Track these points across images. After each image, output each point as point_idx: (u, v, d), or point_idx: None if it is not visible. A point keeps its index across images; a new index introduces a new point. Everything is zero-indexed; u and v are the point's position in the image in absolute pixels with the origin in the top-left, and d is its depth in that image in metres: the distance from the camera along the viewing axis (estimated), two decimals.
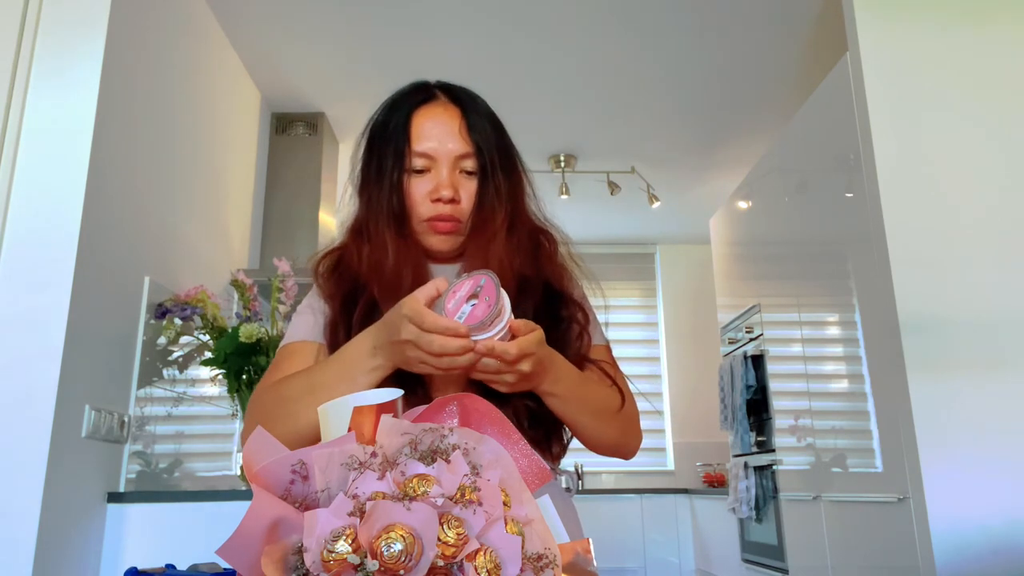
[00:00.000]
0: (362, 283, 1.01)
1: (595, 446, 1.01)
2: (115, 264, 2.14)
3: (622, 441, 1.03)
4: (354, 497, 0.55)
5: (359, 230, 1.04)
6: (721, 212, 4.05)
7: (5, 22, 2.00)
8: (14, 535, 1.75)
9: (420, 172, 1.01)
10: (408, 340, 0.81)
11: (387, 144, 1.02)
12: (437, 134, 1.00)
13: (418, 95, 1.05)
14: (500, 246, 1.00)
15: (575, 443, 1.07)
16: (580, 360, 1.02)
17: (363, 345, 0.89)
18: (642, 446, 1.08)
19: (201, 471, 2.76)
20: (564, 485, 1.06)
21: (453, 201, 1.00)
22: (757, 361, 3.48)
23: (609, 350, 1.10)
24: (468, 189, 1.01)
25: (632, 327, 5.67)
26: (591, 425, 0.98)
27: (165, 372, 2.42)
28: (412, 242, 1.02)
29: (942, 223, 2.23)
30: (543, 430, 0.99)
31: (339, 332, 1.00)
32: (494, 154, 1.02)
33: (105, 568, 2.03)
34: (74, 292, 1.90)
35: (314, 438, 0.90)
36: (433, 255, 1.05)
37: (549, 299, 1.03)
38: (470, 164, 1.01)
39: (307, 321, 1.06)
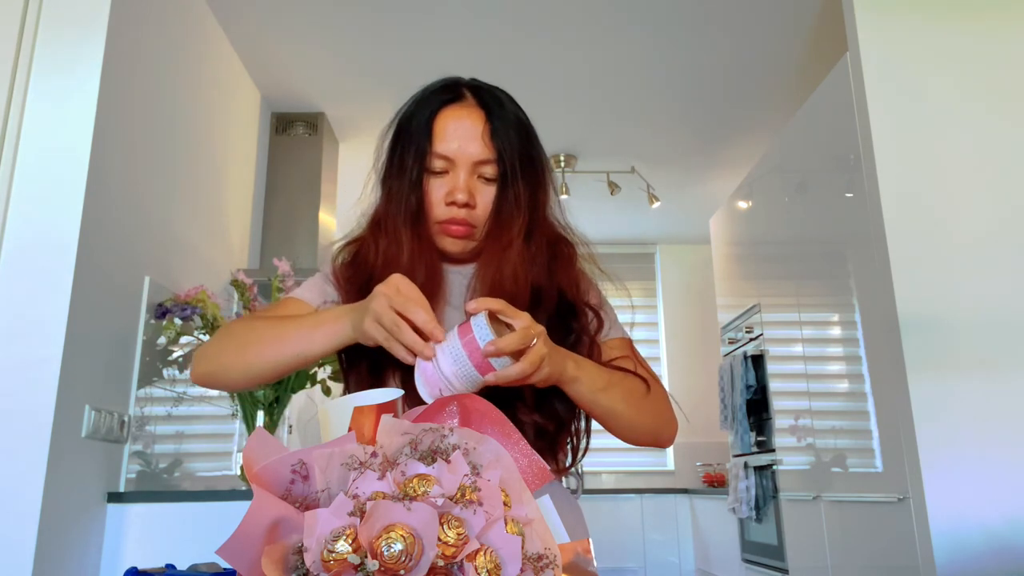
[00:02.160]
0: (376, 277, 1.00)
1: (632, 436, 0.99)
2: (115, 264, 2.14)
3: (656, 428, 1.01)
4: (354, 497, 0.55)
5: (378, 223, 1.04)
6: (721, 212, 4.05)
7: (5, 22, 2.00)
8: (14, 535, 1.75)
9: (439, 173, 1.00)
10: (382, 292, 0.83)
11: (410, 141, 1.01)
12: (459, 137, 0.99)
13: (445, 94, 1.04)
14: (515, 255, 0.99)
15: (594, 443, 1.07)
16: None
17: (337, 310, 0.92)
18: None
19: (201, 471, 2.75)
20: (571, 487, 1.06)
21: (467, 206, 0.99)
22: (757, 361, 3.48)
23: (629, 343, 1.10)
24: (485, 195, 1.01)
25: (632, 327, 5.66)
26: (625, 413, 0.96)
27: (165, 372, 2.42)
28: (427, 241, 1.02)
29: (942, 223, 2.23)
30: (546, 442, 0.98)
31: None
32: (516, 161, 1.01)
33: (105, 568, 2.03)
34: (74, 292, 1.89)
35: (260, 377, 0.94)
36: (447, 256, 1.05)
37: (562, 310, 1.03)
38: (489, 170, 1.00)
39: (316, 286, 1.07)
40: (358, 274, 1.03)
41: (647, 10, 3.02)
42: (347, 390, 1.04)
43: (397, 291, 0.83)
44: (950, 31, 2.39)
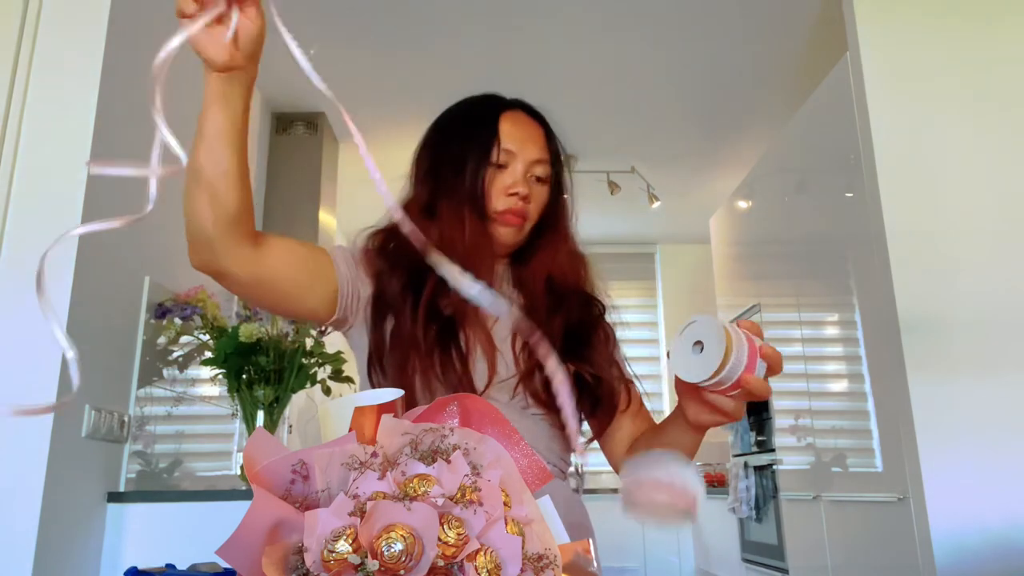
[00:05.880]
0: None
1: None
2: (115, 264, 2.14)
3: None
4: (354, 497, 0.55)
5: (426, 210, 1.08)
6: (721, 212, 4.05)
7: (5, 22, 2.00)
8: (14, 535, 1.75)
9: (498, 167, 1.07)
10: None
11: (471, 136, 1.08)
12: (521, 136, 1.08)
13: (502, 100, 1.13)
14: (571, 246, 1.11)
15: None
16: (621, 374, 1.10)
17: None
18: None
19: (201, 471, 2.75)
20: (572, 486, 1.07)
21: (526, 199, 1.06)
22: None
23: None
24: (536, 192, 1.09)
25: (632, 327, 5.67)
26: None
27: (165, 372, 2.42)
28: (485, 227, 1.07)
29: (942, 223, 2.23)
30: (586, 393, 1.05)
31: (406, 307, 1.01)
32: (563, 168, 1.13)
33: (105, 568, 2.03)
34: (74, 292, 1.89)
35: (216, 196, 0.92)
36: (495, 247, 1.09)
37: (586, 309, 1.12)
38: (541, 170, 1.09)
39: (346, 256, 1.06)
40: (402, 258, 1.04)
41: (647, 10, 3.01)
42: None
43: None
44: (950, 31, 2.39)
